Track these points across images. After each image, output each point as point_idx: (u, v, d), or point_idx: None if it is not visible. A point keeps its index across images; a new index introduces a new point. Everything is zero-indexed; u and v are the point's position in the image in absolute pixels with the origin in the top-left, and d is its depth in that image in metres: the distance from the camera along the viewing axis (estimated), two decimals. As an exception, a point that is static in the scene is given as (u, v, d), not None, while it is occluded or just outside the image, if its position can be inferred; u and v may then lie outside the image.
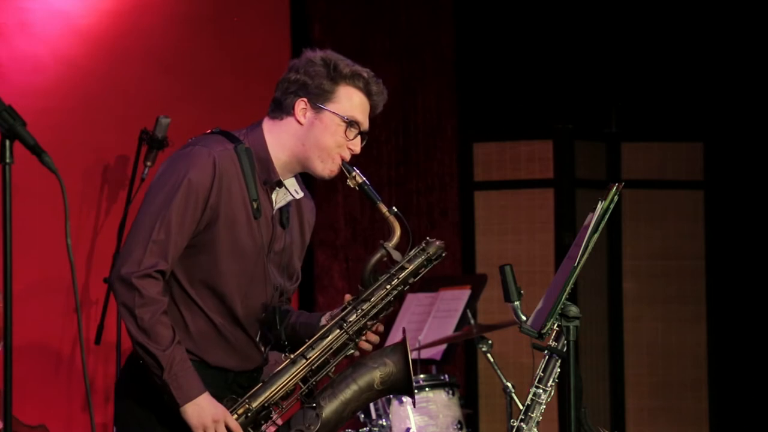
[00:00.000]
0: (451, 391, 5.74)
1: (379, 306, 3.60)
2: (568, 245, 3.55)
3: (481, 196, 7.48)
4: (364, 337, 3.62)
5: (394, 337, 6.32)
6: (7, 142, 2.82)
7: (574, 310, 3.35)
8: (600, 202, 3.36)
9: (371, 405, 5.62)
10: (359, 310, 3.59)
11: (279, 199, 3.65)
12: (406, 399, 5.64)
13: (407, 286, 3.65)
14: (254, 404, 3.54)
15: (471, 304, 6.14)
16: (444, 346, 6.13)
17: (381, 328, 3.66)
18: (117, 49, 6.05)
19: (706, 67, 7.51)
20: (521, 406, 3.41)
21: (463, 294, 6.22)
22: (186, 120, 5.81)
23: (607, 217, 3.35)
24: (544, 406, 3.39)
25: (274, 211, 3.63)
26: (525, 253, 7.30)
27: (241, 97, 6.24)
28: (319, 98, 3.59)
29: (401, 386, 3.67)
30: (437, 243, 3.68)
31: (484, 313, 6.79)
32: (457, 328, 6.06)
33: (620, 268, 7.53)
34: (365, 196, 3.62)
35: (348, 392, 3.60)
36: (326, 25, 7.06)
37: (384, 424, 5.57)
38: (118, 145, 5.96)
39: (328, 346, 3.57)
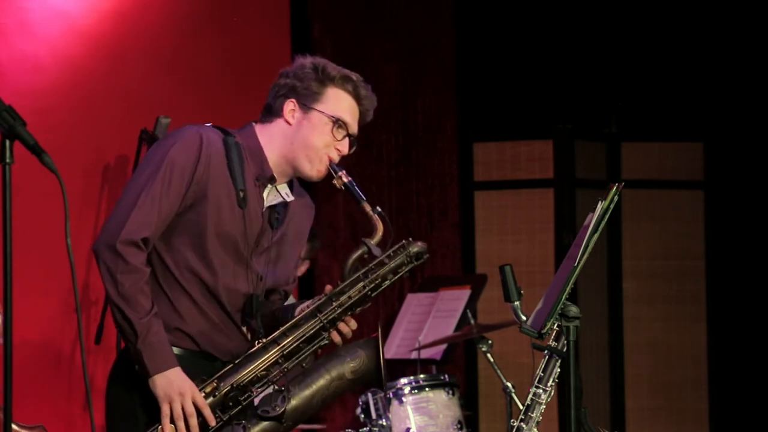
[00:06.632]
0: (451, 391, 5.74)
1: (356, 298, 3.64)
2: (568, 245, 3.56)
3: (481, 196, 7.48)
4: (337, 328, 3.66)
5: (394, 335, 6.33)
6: (7, 142, 2.82)
7: (574, 310, 3.35)
8: (600, 202, 3.36)
9: (371, 405, 5.62)
10: (335, 301, 3.63)
11: (270, 198, 3.70)
12: (406, 399, 5.64)
13: (386, 282, 3.67)
14: (222, 385, 3.55)
15: (471, 304, 6.15)
16: (444, 346, 6.14)
17: (354, 324, 3.68)
18: (117, 49, 6.04)
19: (705, 67, 7.52)
20: (521, 406, 3.41)
21: (463, 294, 6.23)
22: (186, 120, 5.73)
23: (607, 217, 3.35)
24: (544, 406, 3.39)
25: (264, 208, 3.67)
26: (525, 253, 7.30)
27: (241, 97, 6.22)
28: (307, 99, 3.66)
29: (372, 378, 3.71)
30: (419, 243, 3.71)
31: (484, 313, 6.79)
32: (457, 328, 6.07)
33: (620, 268, 7.53)
34: (350, 195, 3.66)
35: (319, 380, 3.64)
36: (326, 25, 7.06)
37: (384, 424, 5.57)
38: (118, 145, 5.95)
39: (301, 333, 3.61)
